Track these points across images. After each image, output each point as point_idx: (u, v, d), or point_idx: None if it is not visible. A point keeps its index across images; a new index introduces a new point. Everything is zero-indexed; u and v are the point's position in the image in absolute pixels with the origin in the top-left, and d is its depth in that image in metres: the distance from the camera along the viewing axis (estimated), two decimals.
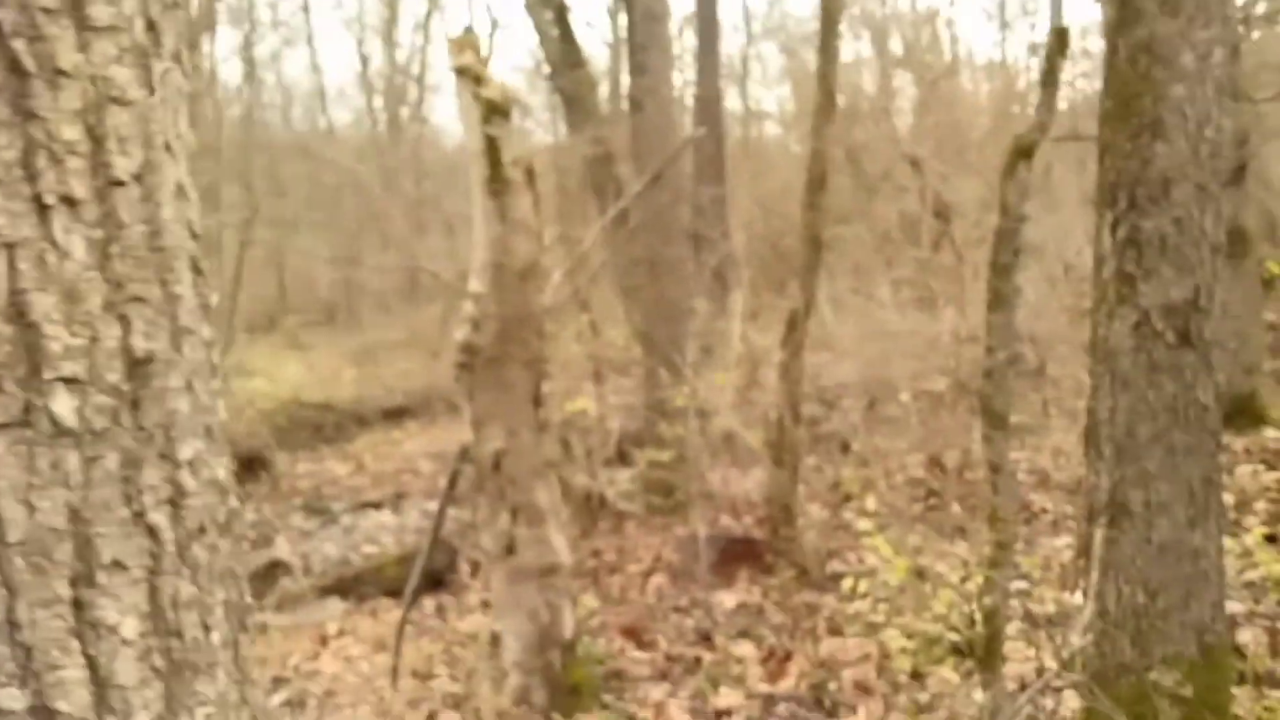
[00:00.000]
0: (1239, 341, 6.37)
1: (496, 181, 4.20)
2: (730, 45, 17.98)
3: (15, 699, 0.64)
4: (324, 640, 5.89)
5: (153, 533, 0.72)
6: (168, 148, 0.76)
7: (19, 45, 0.66)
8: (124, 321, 0.72)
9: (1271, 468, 6.04)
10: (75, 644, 0.67)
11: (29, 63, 0.66)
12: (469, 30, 4.25)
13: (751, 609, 5.27)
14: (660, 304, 6.76)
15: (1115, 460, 2.57)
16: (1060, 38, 3.16)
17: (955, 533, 5.93)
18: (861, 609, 5.04)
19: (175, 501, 0.74)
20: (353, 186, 16.25)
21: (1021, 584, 5.18)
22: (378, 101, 21.41)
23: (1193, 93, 2.27)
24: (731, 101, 16.46)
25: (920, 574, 4.61)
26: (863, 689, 4.58)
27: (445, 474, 7.68)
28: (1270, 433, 6.73)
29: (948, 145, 11.05)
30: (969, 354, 6.80)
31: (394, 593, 6.63)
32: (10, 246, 0.66)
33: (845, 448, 7.36)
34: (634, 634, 5.15)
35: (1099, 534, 2.67)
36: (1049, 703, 3.84)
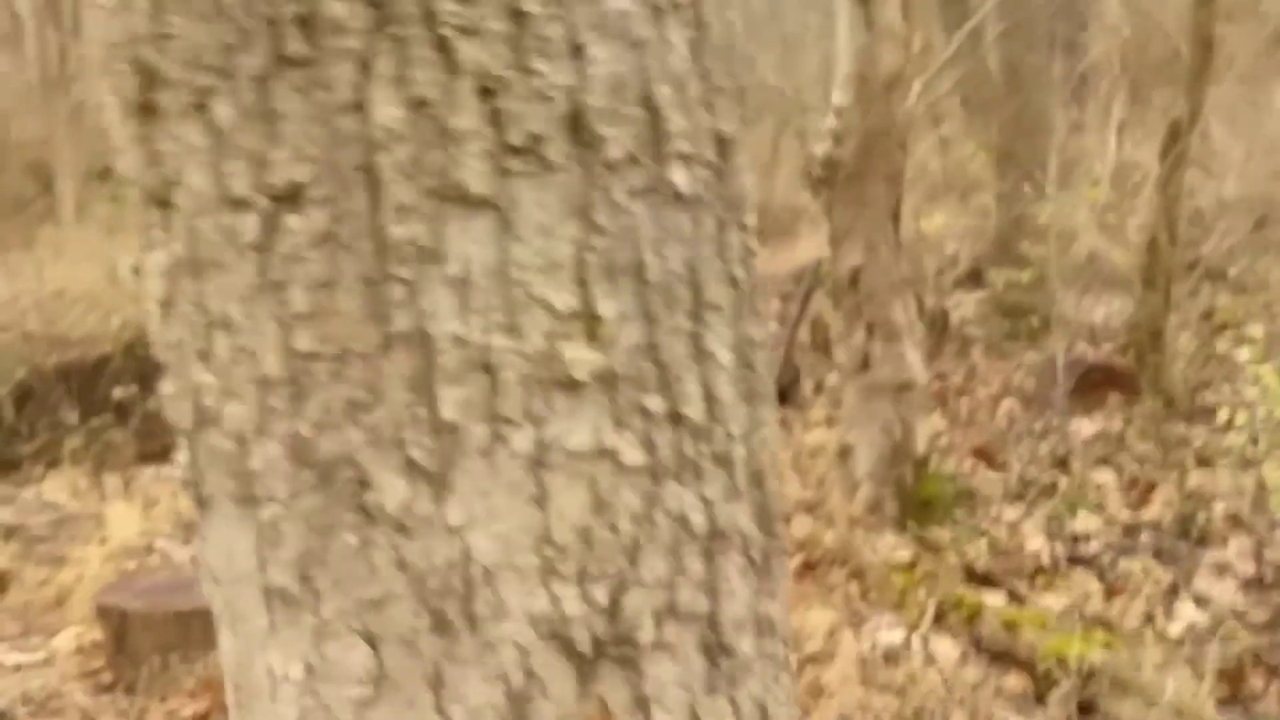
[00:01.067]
0: None
1: None
2: None
3: (657, 404, 0.82)
4: None
5: (735, 282, 0.87)
6: None
7: None
8: (711, 108, 0.86)
9: None
10: (693, 366, 0.84)
11: None
12: None
13: (1112, 437, 5.11)
14: (1020, 116, 6.40)
15: None
16: None
17: None
18: (1238, 442, 4.76)
19: (745, 260, 0.89)
20: None
21: None
22: None
23: None
24: None
25: None
26: (1234, 523, 4.39)
27: (781, 293, 7.85)
28: None
29: None
30: None
31: None
32: (639, 44, 0.80)
33: (1222, 274, 6.78)
34: (985, 455, 5.17)
35: None
36: None
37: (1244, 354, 4.94)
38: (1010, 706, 3.21)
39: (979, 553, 4.16)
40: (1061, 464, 4.92)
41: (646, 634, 0.82)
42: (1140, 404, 5.27)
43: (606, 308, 0.79)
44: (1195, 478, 4.71)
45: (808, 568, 4.54)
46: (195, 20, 0.75)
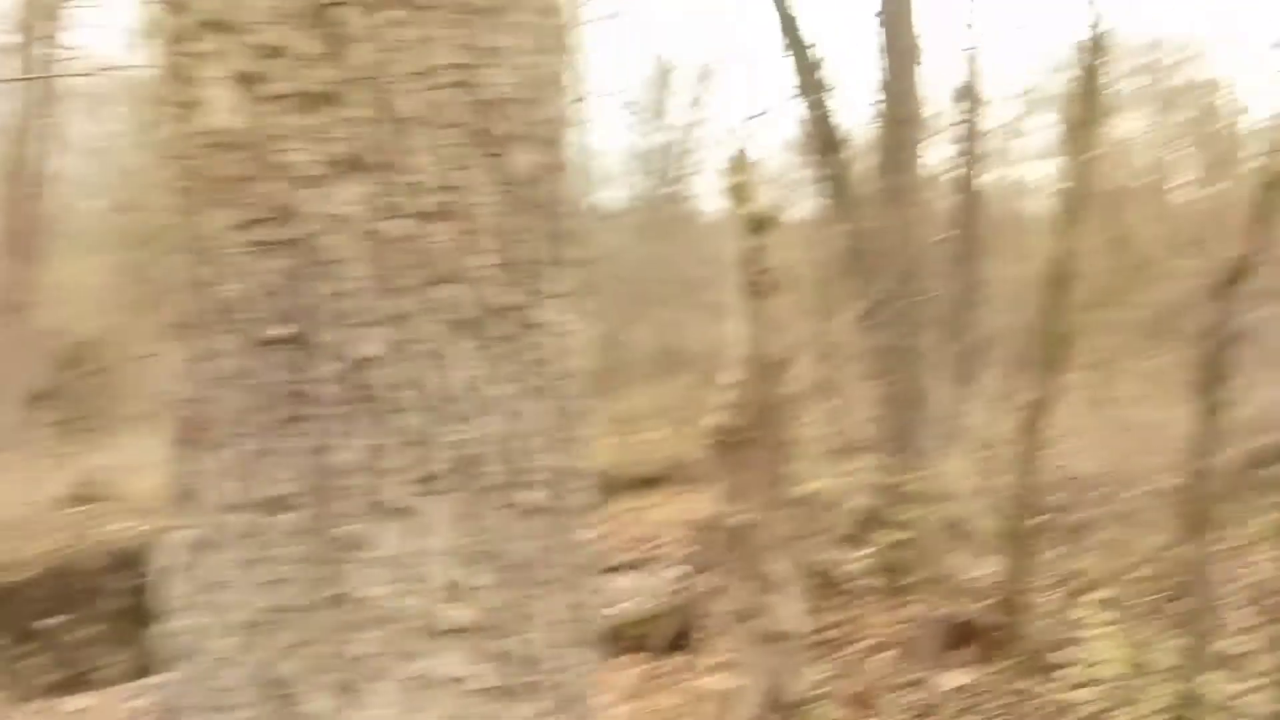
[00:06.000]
0: None
1: (755, 287, 4.79)
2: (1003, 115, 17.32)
3: (510, 645, 1.24)
4: None
5: (571, 565, 1.32)
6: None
7: None
8: (561, 453, 1.33)
9: None
10: (535, 620, 1.26)
11: None
12: (742, 155, 4.90)
13: (971, 690, 5.49)
14: (899, 390, 7.12)
15: None
16: None
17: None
18: (1081, 698, 5.17)
19: (580, 549, 1.34)
20: (616, 263, 17.35)
21: None
22: (641, 180, 22.65)
23: None
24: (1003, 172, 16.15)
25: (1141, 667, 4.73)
26: None
27: (688, 542, 8.25)
28: None
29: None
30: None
31: (635, 650, 7.26)
32: (515, 415, 1.28)
33: (1086, 538, 7.38)
34: (862, 702, 5.50)
35: None
36: None
37: (1086, 614, 5.46)
38: None
39: None
40: (927, 713, 5.27)
41: None
42: (1001, 660, 5.69)
43: (477, 580, 1.23)
44: None
45: None
46: (233, 391, 1.21)
